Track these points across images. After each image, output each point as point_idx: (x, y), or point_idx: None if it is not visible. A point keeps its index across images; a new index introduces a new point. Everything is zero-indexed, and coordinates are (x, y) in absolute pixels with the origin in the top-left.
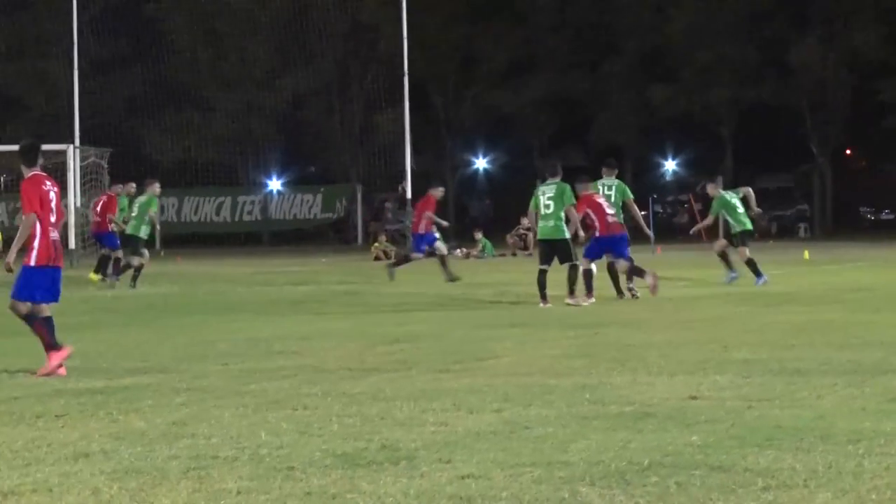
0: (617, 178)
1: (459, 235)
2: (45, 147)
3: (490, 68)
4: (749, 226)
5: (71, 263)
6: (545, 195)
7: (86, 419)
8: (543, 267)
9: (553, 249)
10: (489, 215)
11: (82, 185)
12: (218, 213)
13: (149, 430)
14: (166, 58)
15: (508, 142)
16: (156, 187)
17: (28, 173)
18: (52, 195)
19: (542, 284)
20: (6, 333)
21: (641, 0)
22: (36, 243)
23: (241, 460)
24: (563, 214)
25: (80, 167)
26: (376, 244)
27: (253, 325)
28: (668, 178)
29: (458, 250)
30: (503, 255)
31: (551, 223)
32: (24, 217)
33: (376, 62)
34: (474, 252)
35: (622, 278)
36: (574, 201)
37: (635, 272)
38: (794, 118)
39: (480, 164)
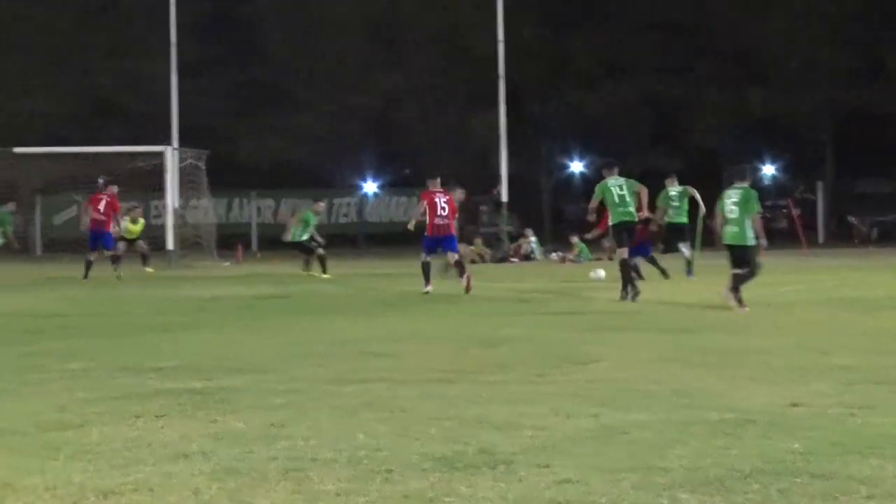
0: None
1: (555, 239)
2: (142, 149)
3: (583, 70)
4: None
5: (169, 264)
6: (730, 199)
7: (185, 419)
8: (736, 271)
9: (740, 253)
10: (584, 219)
11: (180, 186)
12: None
13: (247, 431)
14: (261, 59)
15: (603, 145)
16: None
17: None
18: None
19: (736, 289)
20: (105, 334)
21: (735, 1)
22: None
23: (339, 462)
24: (748, 220)
25: (178, 168)
26: (472, 247)
27: (348, 327)
28: (765, 182)
29: (554, 254)
30: (599, 258)
31: (736, 229)
32: None
33: (471, 64)
34: (570, 256)
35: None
36: (760, 209)
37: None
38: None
39: (576, 167)
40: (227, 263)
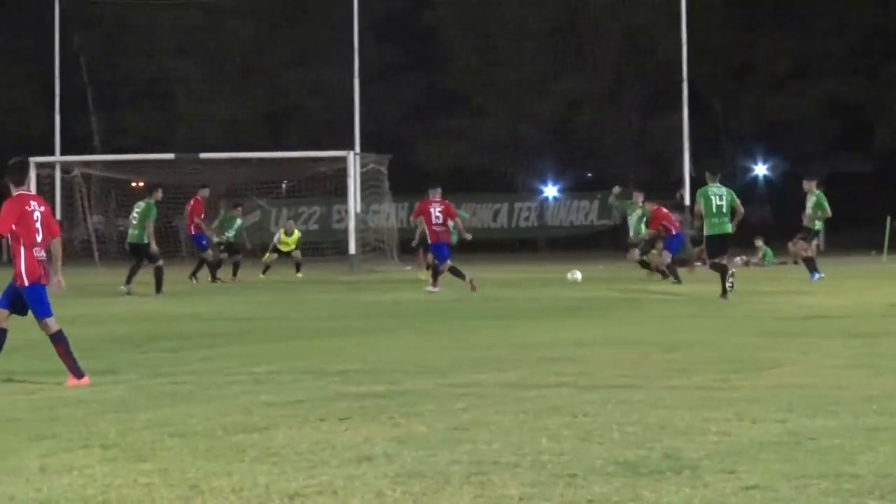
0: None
1: (740, 243)
2: (325, 154)
3: (769, 73)
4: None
5: (350, 268)
6: None
7: (368, 423)
8: None
9: None
10: (769, 223)
11: (362, 191)
12: (495, 220)
13: (430, 435)
14: (442, 65)
15: (787, 148)
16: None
17: (14, 192)
18: (38, 215)
19: None
20: (289, 338)
21: None
22: (21, 262)
23: (522, 466)
24: None
25: (360, 173)
26: (654, 251)
27: (529, 331)
28: None
29: (739, 258)
30: (784, 262)
31: None
32: None
33: (653, 67)
34: (754, 260)
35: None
36: None
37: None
38: None
39: (760, 170)
40: (408, 268)
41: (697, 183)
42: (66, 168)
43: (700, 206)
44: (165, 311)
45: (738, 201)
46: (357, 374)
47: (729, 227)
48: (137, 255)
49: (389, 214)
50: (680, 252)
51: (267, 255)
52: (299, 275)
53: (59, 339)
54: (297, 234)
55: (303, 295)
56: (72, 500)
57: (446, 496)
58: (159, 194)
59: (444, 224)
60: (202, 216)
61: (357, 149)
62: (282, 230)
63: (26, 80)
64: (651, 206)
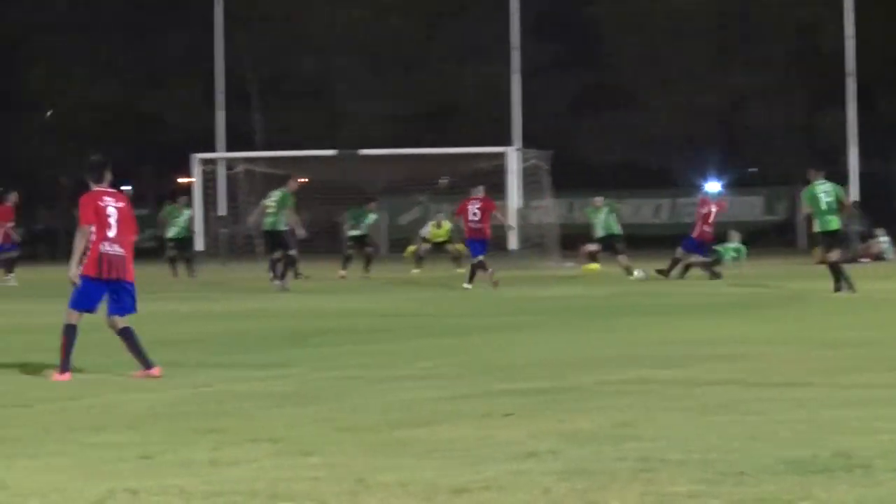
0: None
1: None
2: (485, 150)
3: None
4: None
5: (512, 264)
6: None
7: (533, 418)
8: None
9: None
10: None
11: (523, 187)
12: (656, 215)
13: (595, 431)
14: (604, 59)
15: None
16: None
17: (92, 188)
18: (113, 210)
19: None
20: (452, 333)
21: None
22: (88, 255)
23: (689, 464)
24: None
25: (521, 169)
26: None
27: (697, 328)
28: None
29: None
30: None
31: None
32: (78, 229)
33: (819, 61)
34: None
35: None
36: None
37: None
38: None
39: None
40: (570, 264)
41: (866, 179)
42: (230, 164)
43: (806, 206)
44: (332, 306)
45: (844, 196)
46: (520, 369)
47: (837, 223)
48: (273, 243)
49: (550, 210)
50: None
51: (413, 247)
52: (460, 269)
53: (66, 333)
54: (446, 225)
55: (461, 291)
56: (241, 493)
57: (613, 493)
58: (295, 183)
59: (482, 221)
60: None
61: (517, 144)
62: (432, 223)
63: (192, 78)
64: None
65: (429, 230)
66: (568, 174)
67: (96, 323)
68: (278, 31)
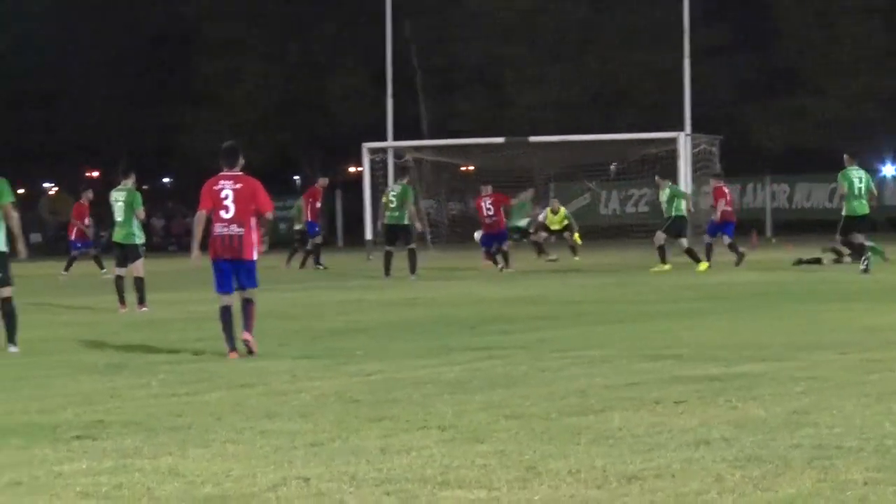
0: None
1: None
2: (655, 136)
3: None
4: None
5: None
6: None
7: (705, 406)
8: None
9: None
10: None
11: (693, 172)
12: (830, 200)
13: (769, 419)
14: (776, 43)
15: None
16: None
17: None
18: (229, 192)
19: None
20: (620, 320)
21: None
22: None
23: (865, 451)
24: None
25: (691, 154)
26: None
27: (870, 314)
28: None
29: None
30: None
31: None
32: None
33: None
34: None
35: None
36: None
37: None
38: None
39: None
40: (742, 249)
41: None
42: (398, 153)
43: (844, 187)
44: (496, 293)
45: (873, 184)
46: (692, 356)
47: (867, 209)
48: (396, 238)
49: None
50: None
51: (536, 233)
52: (577, 258)
53: (220, 315)
54: (562, 211)
55: (629, 277)
56: (411, 480)
57: (787, 480)
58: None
59: (495, 215)
60: (318, 205)
61: (687, 130)
62: (548, 209)
63: (360, 68)
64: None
65: (545, 216)
66: (740, 159)
67: (272, 310)
68: (444, 18)
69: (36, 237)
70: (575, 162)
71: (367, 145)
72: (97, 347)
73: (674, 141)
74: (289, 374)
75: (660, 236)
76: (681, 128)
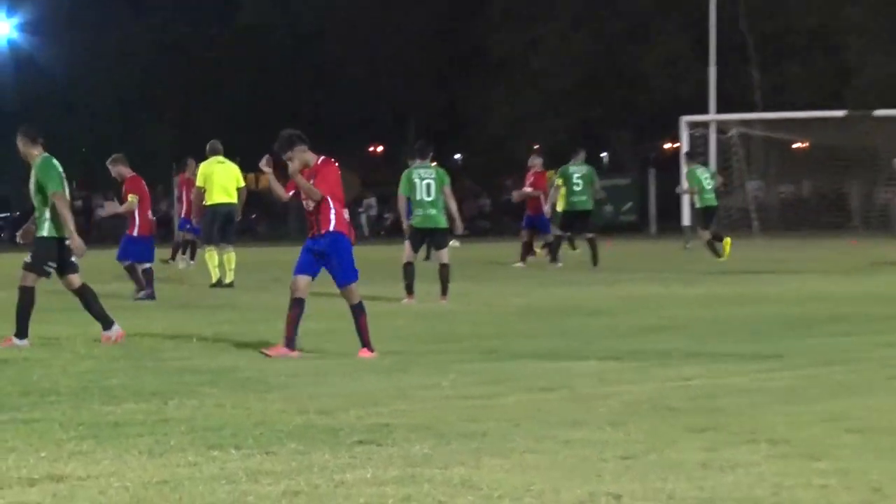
0: None
1: None
2: None
3: None
4: None
5: None
6: None
7: None
8: None
9: None
10: None
11: None
12: None
13: None
14: None
15: None
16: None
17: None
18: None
19: None
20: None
21: None
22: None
23: None
24: None
25: None
26: None
27: None
28: None
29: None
30: None
31: None
32: None
33: None
34: None
35: None
36: None
37: None
38: None
39: None
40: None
41: None
42: (722, 128)
43: None
44: (838, 290)
45: None
46: None
47: None
48: (578, 224)
49: None
50: None
51: None
52: None
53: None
54: None
55: None
56: (737, 500)
57: None
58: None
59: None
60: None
61: None
62: None
63: (680, 31)
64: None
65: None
66: None
67: (576, 306)
68: None
69: None
70: None
71: (685, 119)
72: (379, 342)
73: None
74: (595, 377)
75: None
76: None
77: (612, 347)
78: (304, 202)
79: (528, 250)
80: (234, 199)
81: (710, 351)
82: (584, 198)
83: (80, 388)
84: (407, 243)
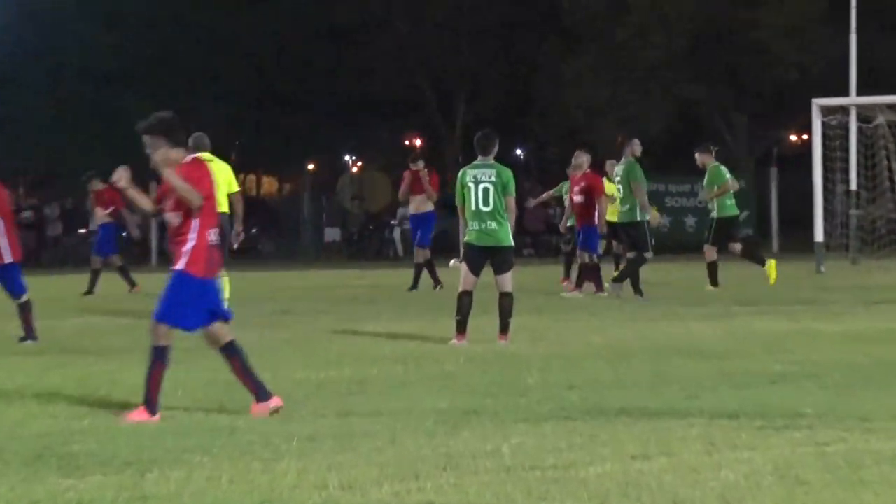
0: None
1: None
2: None
3: None
4: None
5: None
6: None
7: None
8: None
9: None
10: None
11: None
12: None
13: None
14: None
15: None
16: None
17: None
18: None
19: None
20: None
21: None
22: None
23: None
24: None
25: None
26: None
27: None
28: None
29: None
30: None
31: None
32: None
33: None
34: None
35: None
36: None
37: None
38: None
39: None
40: None
41: None
42: (866, 114)
43: None
44: None
45: None
46: None
47: None
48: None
49: None
50: None
51: None
52: None
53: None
54: None
55: None
56: None
57: None
58: (636, 148)
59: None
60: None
61: None
62: None
63: None
64: None
65: None
66: None
67: (675, 346)
68: None
69: (333, 233)
70: None
71: (818, 102)
72: (419, 394)
73: None
74: (703, 441)
75: None
76: None
77: (723, 401)
78: (167, 216)
79: (590, 274)
80: (224, 209)
81: (853, 406)
82: (625, 207)
83: (33, 455)
84: (463, 267)
